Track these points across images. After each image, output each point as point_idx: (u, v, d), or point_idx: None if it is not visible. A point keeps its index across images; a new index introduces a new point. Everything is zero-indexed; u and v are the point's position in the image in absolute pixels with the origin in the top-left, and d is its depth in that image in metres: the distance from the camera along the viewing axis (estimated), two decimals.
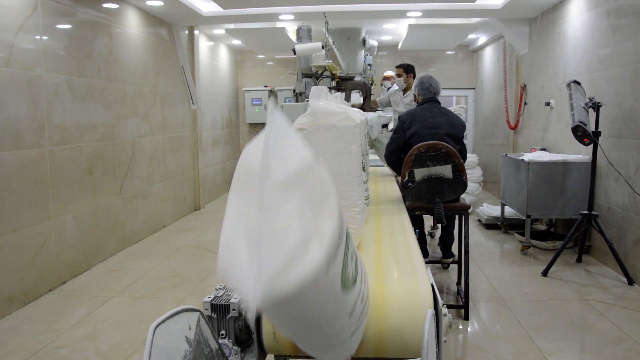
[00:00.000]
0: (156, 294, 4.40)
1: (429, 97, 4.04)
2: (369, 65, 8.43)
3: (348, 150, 2.14)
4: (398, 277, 1.98)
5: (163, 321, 1.50)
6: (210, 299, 1.92)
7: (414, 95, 4.23)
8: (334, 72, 4.47)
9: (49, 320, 3.85)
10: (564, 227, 5.96)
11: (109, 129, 5.47)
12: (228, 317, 1.90)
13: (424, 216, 4.56)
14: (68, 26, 4.79)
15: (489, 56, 9.54)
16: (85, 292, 4.46)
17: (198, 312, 1.64)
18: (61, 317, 3.90)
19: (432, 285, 1.82)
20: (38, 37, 4.34)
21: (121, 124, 5.73)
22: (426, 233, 5.47)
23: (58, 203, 4.58)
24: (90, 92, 5.12)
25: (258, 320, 1.84)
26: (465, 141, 4.08)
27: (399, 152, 3.89)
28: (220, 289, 2.00)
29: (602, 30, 5.02)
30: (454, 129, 3.85)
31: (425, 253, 4.73)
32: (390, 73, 7.94)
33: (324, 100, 2.18)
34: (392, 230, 2.71)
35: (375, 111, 6.56)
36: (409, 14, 6.90)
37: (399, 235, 2.58)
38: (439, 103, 4.05)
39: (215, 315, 1.90)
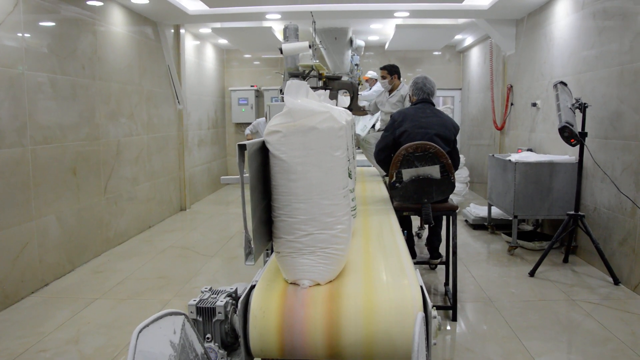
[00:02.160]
0: (141, 295, 4.34)
1: (422, 97, 4.03)
2: (356, 65, 8.41)
3: (331, 157, 1.88)
4: (387, 280, 1.96)
5: (147, 325, 1.46)
6: (195, 302, 1.88)
7: (409, 95, 4.22)
8: (321, 72, 4.44)
9: (31, 323, 3.77)
10: (550, 227, 5.98)
11: (94, 128, 5.39)
12: (214, 320, 1.86)
13: (411, 216, 4.55)
14: (51, 23, 4.71)
15: (475, 57, 9.58)
16: (68, 294, 4.39)
17: (183, 316, 1.61)
18: (44, 320, 3.83)
19: (421, 287, 1.80)
20: (20, 34, 4.25)
21: (106, 124, 5.65)
22: (413, 234, 5.46)
23: (41, 203, 4.50)
24: (74, 91, 5.04)
25: (245, 323, 1.81)
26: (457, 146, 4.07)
27: (389, 150, 3.88)
28: (205, 291, 1.96)
29: (588, 31, 5.05)
30: (445, 130, 3.84)
31: (413, 254, 4.72)
32: (369, 75, 7.93)
33: (304, 98, 1.95)
34: (380, 231, 2.69)
35: (365, 113, 6.54)
36: (396, 14, 6.90)
37: (388, 237, 2.56)
38: (433, 105, 4.05)
39: (200, 319, 1.87)
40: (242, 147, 1.78)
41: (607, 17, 4.69)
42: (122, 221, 6.04)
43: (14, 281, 4.15)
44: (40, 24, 4.56)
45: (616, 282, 4.41)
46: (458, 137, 4.08)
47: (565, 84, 4.70)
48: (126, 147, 6.15)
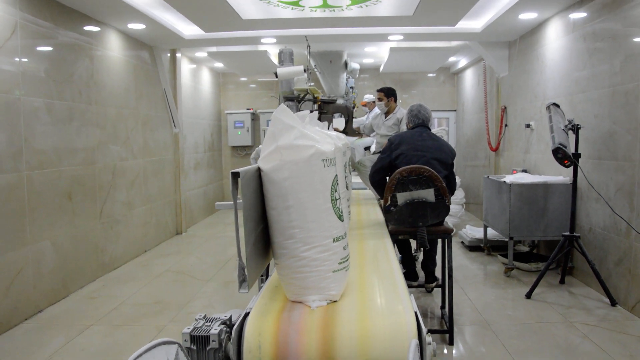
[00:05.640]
0: (136, 321, 4.30)
1: (418, 123, 4.10)
2: (351, 88, 8.48)
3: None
4: (381, 305, 1.95)
5: (140, 355, 1.45)
6: (189, 330, 1.86)
7: (406, 123, 4.28)
8: (316, 95, 4.47)
9: (24, 350, 3.73)
10: (546, 248, 5.98)
11: (89, 152, 5.40)
12: (208, 348, 1.85)
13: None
14: (48, 49, 4.75)
15: (469, 79, 9.67)
16: (62, 320, 4.35)
17: (176, 345, 1.60)
18: (37, 347, 3.79)
19: (415, 313, 1.80)
20: (17, 59, 4.29)
21: (102, 148, 5.67)
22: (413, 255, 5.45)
23: (36, 229, 4.48)
24: (71, 116, 5.06)
25: (239, 351, 1.79)
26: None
27: (384, 171, 3.91)
28: (200, 319, 1.95)
29: (579, 53, 5.11)
30: (441, 154, 3.89)
31: (415, 276, 4.70)
32: (366, 100, 7.99)
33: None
34: (375, 255, 2.69)
35: (359, 135, 6.57)
36: (390, 38, 6.98)
37: (382, 261, 2.56)
38: (430, 129, 4.11)
39: (194, 347, 1.85)
40: (235, 175, 1.79)
41: (597, 39, 4.76)
42: (117, 246, 6.02)
43: (7, 308, 4.12)
44: (38, 49, 4.60)
45: (613, 303, 4.40)
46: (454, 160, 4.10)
47: (557, 105, 4.74)
48: (122, 171, 6.16)
